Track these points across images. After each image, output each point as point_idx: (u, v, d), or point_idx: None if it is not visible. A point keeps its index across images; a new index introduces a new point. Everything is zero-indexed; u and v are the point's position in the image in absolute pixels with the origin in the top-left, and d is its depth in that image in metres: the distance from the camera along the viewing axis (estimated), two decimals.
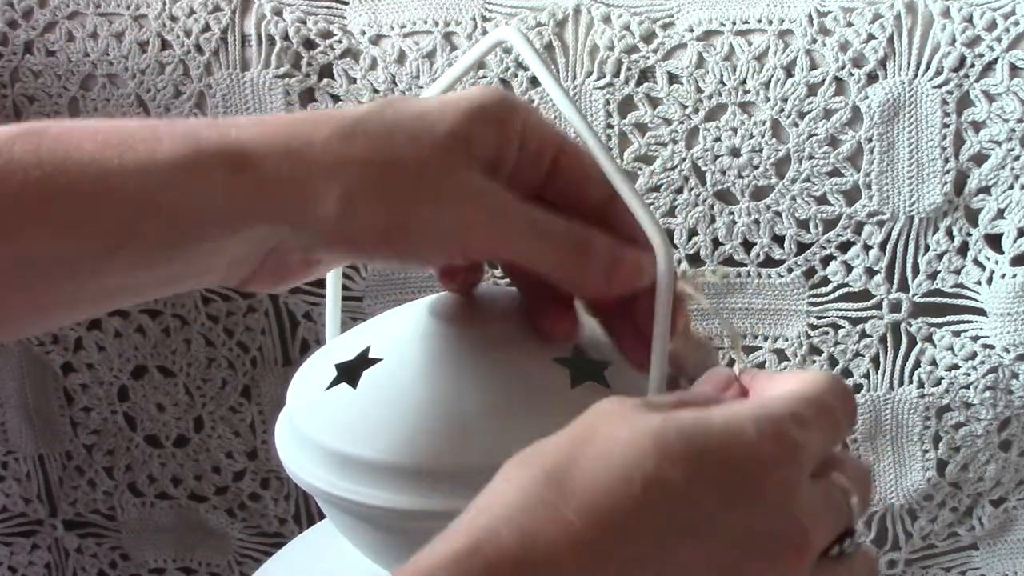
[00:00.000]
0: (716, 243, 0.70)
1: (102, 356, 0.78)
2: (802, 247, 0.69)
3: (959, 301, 0.69)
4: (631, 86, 0.67)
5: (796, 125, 0.67)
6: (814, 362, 0.71)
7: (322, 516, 0.52)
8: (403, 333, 0.48)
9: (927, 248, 0.68)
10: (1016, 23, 0.64)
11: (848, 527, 0.36)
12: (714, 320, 0.70)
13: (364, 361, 0.47)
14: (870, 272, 0.69)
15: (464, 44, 0.68)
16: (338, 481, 0.45)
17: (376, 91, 0.69)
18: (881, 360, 0.71)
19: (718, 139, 0.67)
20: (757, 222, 0.69)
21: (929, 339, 0.70)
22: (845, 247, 0.69)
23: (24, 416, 0.81)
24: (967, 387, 0.70)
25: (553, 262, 0.41)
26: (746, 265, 0.70)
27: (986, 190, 0.67)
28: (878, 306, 0.70)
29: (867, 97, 0.66)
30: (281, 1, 0.69)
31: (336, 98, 0.70)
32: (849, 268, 0.69)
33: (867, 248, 0.68)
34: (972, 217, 0.67)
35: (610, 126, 0.68)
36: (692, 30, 0.67)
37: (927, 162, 0.66)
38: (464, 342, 0.46)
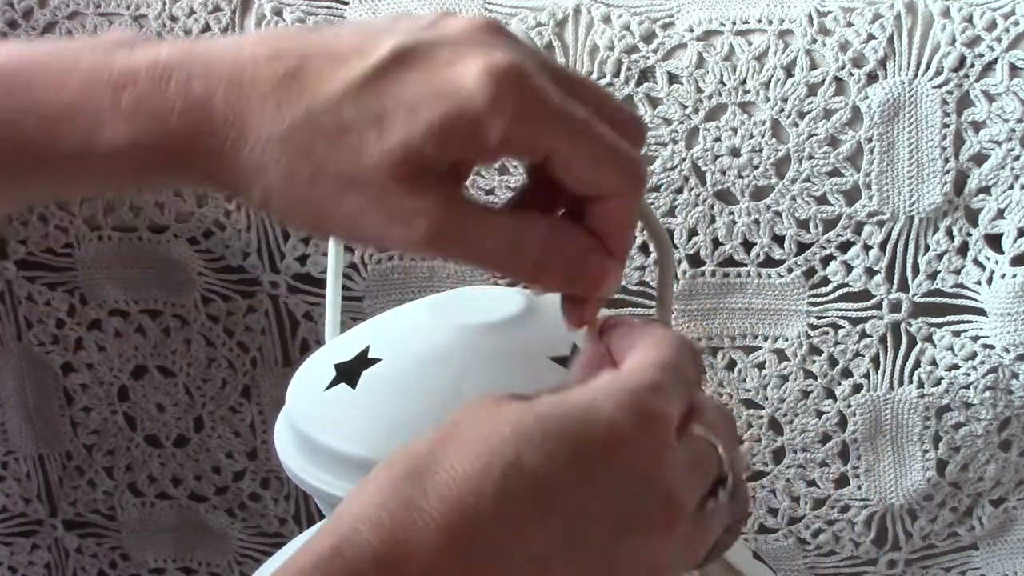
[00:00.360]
0: (716, 243, 0.70)
1: (102, 356, 0.78)
2: (802, 247, 0.69)
3: (959, 301, 0.69)
4: (631, 86, 0.67)
5: (796, 125, 0.67)
6: (814, 362, 0.71)
7: (322, 516, 0.53)
8: (403, 333, 0.48)
9: (927, 248, 0.68)
10: (1016, 23, 0.64)
11: (720, 476, 0.36)
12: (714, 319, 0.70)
13: (364, 361, 0.47)
14: (870, 272, 0.69)
15: None
16: (338, 481, 0.45)
17: None
18: (881, 360, 0.71)
19: (718, 139, 0.67)
20: (757, 222, 0.69)
21: (929, 339, 0.70)
22: (845, 247, 0.69)
23: (24, 416, 0.81)
24: (967, 387, 0.70)
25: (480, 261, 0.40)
26: (746, 265, 0.70)
27: (986, 190, 0.67)
28: (878, 306, 0.70)
29: (867, 97, 0.66)
30: (281, 1, 0.69)
31: None
32: (849, 268, 0.69)
33: (867, 248, 0.68)
34: (972, 217, 0.67)
35: None
36: (692, 30, 0.67)
37: (927, 162, 0.66)
38: (463, 342, 0.46)
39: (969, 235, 0.68)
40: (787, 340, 0.71)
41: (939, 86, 0.65)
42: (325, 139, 0.36)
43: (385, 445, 0.44)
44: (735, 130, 0.67)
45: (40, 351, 0.79)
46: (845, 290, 0.70)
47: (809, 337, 0.71)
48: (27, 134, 0.38)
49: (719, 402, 0.71)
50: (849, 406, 0.72)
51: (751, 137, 0.67)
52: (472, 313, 0.47)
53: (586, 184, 0.38)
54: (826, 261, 0.69)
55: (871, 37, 0.65)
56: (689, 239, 0.70)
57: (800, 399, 0.72)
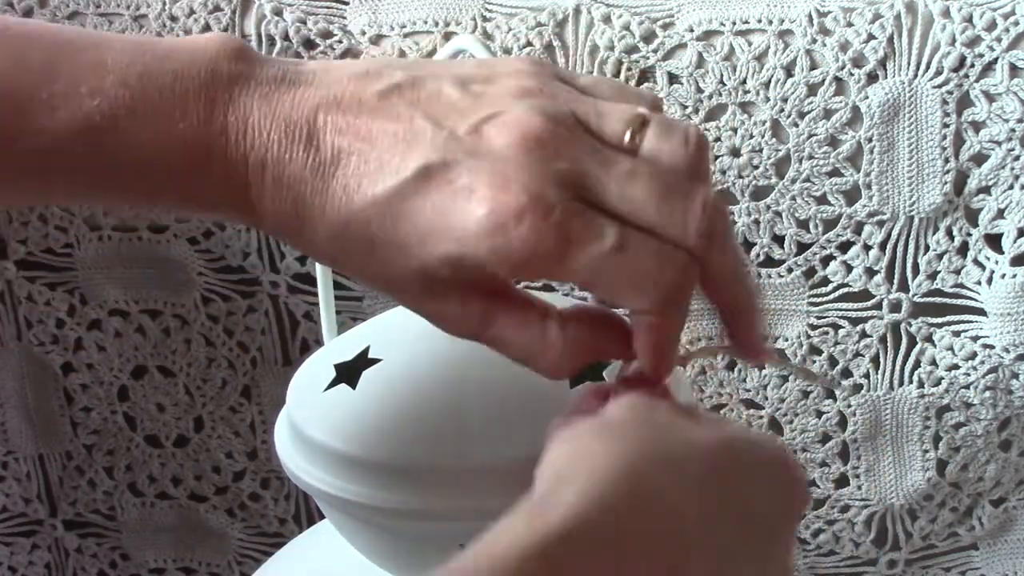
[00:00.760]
0: None
1: (102, 356, 0.78)
2: (802, 247, 0.69)
3: (959, 301, 0.69)
4: (631, 86, 0.67)
5: (796, 125, 0.67)
6: (814, 362, 0.71)
7: (322, 516, 0.53)
8: (402, 333, 0.48)
9: (927, 248, 0.68)
10: (1016, 23, 0.64)
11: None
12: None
13: (364, 361, 0.48)
14: (870, 272, 0.69)
15: None
16: (338, 481, 0.45)
17: None
18: (881, 360, 0.71)
19: (718, 139, 0.67)
20: (757, 222, 0.69)
21: (929, 339, 0.70)
22: (845, 247, 0.69)
23: (24, 416, 0.81)
24: (967, 387, 0.70)
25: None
26: (746, 265, 0.70)
27: (986, 190, 0.67)
28: (878, 306, 0.70)
29: (867, 97, 0.66)
30: (281, 1, 0.69)
31: None
32: (849, 268, 0.69)
33: (867, 248, 0.68)
34: (972, 217, 0.67)
35: None
36: (692, 30, 0.67)
37: (927, 162, 0.66)
38: (463, 342, 0.46)
39: (969, 235, 0.68)
40: (787, 340, 0.71)
41: (939, 86, 0.65)
42: (359, 248, 0.38)
43: (385, 445, 0.44)
44: (735, 130, 0.67)
45: (40, 351, 0.79)
46: (845, 290, 0.70)
47: (809, 337, 0.71)
48: (121, 181, 0.40)
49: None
50: (849, 406, 0.72)
51: (751, 137, 0.67)
52: None
53: (612, 302, 0.39)
54: (826, 261, 0.69)
55: (871, 37, 0.65)
56: None
57: (800, 399, 0.72)
